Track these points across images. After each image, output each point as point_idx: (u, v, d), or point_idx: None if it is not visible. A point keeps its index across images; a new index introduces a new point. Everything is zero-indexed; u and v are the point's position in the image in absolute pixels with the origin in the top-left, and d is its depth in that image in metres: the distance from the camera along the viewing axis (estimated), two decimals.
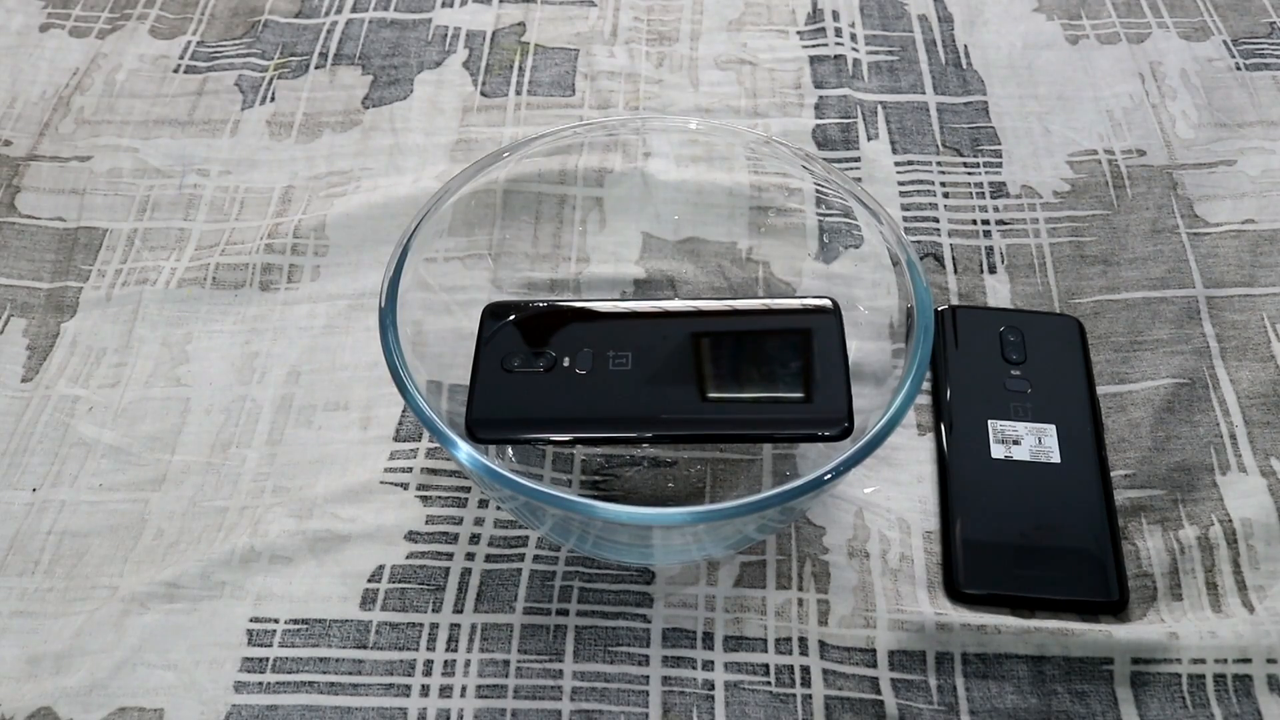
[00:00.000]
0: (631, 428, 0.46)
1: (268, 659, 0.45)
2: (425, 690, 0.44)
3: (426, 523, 0.49)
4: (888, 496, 0.49)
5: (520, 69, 0.69)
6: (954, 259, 0.58)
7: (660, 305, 0.50)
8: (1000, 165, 0.63)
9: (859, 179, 0.62)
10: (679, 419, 0.45)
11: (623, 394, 0.46)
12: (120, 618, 0.46)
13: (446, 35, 0.71)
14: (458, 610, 0.46)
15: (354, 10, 0.73)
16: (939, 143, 0.64)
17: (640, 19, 0.72)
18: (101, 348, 0.55)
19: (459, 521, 0.49)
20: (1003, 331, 0.54)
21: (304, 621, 0.46)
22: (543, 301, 0.50)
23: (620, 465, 0.50)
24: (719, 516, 0.39)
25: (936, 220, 0.60)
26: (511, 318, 0.49)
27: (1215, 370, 0.53)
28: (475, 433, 0.45)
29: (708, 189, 0.58)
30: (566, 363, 0.47)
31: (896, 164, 0.63)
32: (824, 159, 0.59)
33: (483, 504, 0.49)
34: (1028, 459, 0.49)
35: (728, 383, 0.47)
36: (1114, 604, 0.45)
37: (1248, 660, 0.44)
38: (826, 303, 0.48)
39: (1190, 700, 0.43)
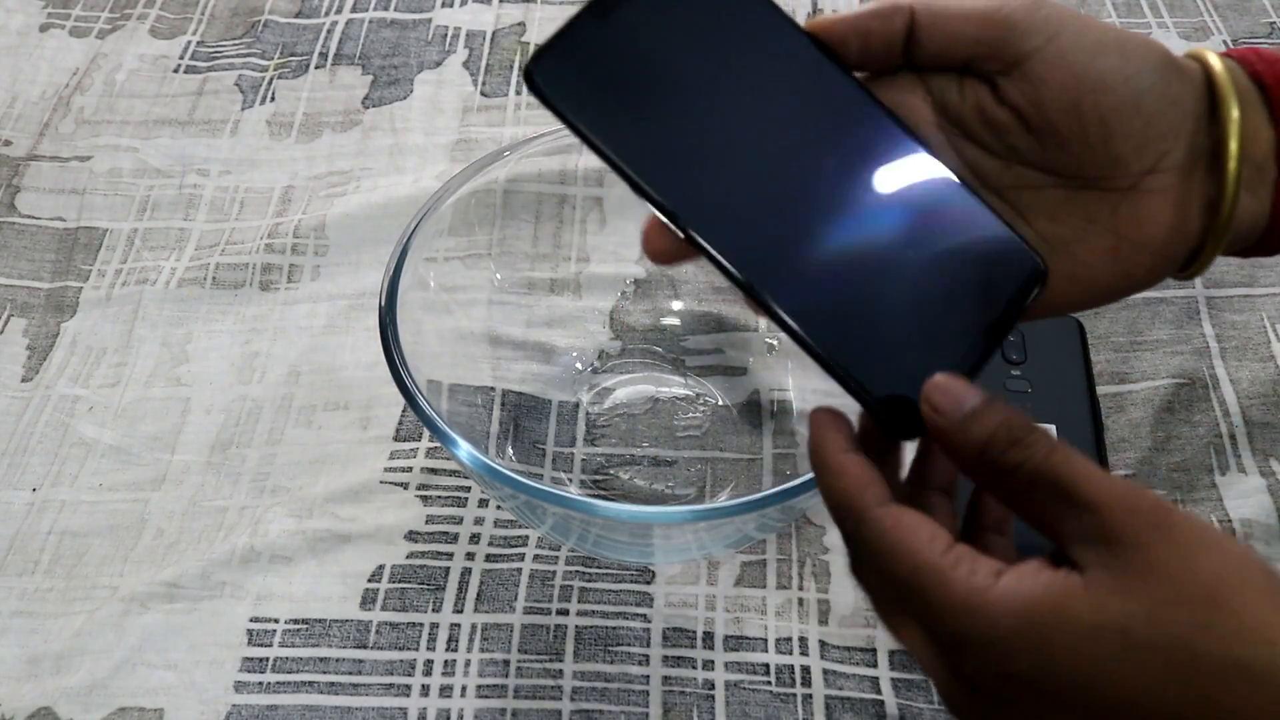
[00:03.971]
0: (701, 216, 0.31)
1: (268, 659, 0.45)
2: (425, 690, 0.44)
3: (426, 522, 0.49)
4: None
5: (521, 69, 0.69)
6: None
7: (886, 109, 0.33)
8: None
9: None
10: (762, 250, 0.31)
11: (728, 160, 0.32)
12: (120, 618, 0.46)
13: (446, 35, 0.71)
14: (458, 610, 0.46)
15: (354, 10, 0.73)
16: None
17: None
18: (101, 348, 0.55)
19: (459, 521, 0.49)
20: None
21: (304, 621, 0.46)
22: None
23: (620, 464, 0.50)
24: (719, 515, 0.39)
25: None
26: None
27: (1215, 370, 0.53)
28: (533, 76, 0.32)
29: None
30: (703, 88, 0.33)
31: None
32: None
33: (483, 504, 0.49)
34: None
35: (852, 260, 0.32)
36: None
37: None
38: (1038, 262, 0.33)
39: None
